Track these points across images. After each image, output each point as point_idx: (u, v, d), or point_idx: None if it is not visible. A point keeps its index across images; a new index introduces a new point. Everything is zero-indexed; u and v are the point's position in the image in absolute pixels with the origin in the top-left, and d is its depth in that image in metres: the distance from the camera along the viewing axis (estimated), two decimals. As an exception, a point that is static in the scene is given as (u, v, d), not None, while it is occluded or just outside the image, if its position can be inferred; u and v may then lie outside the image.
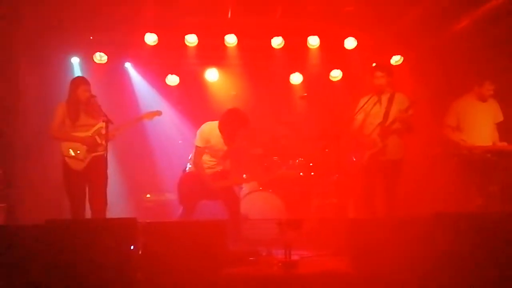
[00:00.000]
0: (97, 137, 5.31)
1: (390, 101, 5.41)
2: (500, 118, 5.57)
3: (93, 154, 5.30)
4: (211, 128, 5.47)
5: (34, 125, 6.50)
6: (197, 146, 5.45)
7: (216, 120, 5.52)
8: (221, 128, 5.43)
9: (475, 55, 6.22)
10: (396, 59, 7.26)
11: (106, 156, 4.99)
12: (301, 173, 6.60)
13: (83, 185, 5.28)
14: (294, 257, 4.46)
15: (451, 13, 6.12)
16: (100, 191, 4.96)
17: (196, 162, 5.46)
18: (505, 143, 5.38)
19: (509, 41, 5.90)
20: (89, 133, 5.31)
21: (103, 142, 5.23)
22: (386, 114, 5.37)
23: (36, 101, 6.64)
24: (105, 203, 4.85)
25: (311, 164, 6.68)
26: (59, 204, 6.17)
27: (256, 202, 6.11)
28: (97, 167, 5.19)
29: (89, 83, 5.38)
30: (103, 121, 5.13)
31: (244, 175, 6.54)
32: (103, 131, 5.19)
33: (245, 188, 6.42)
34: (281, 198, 6.17)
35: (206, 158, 5.51)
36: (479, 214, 4.71)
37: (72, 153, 5.25)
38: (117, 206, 6.28)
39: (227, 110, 5.50)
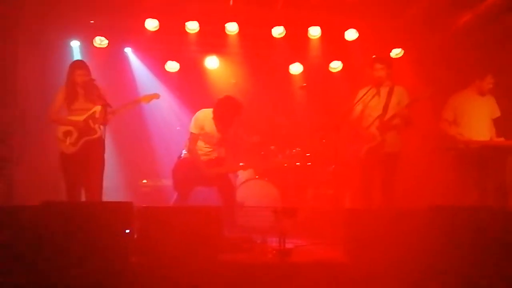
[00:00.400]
0: (90, 121, 5.30)
1: (390, 94, 5.41)
2: (497, 113, 5.58)
3: (85, 139, 5.28)
4: (205, 115, 5.49)
5: (33, 108, 6.47)
6: (191, 133, 5.50)
7: (212, 107, 5.53)
8: (215, 115, 5.46)
9: (476, 50, 6.22)
10: (396, 52, 7.24)
11: (104, 140, 4.98)
12: (297, 163, 6.61)
13: (76, 169, 5.26)
14: (289, 246, 4.46)
15: (454, 8, 6.11)
16: (94, 176, 4.99)
17: (191, 148, 5.50)
18: (502, 139, 5.39)
19: (508, 37, 5.90)
20: (83, 117, 5.30)
21: (97, 127, 5.25)
22: (386, 107, 5.37)
23: (35, 84, 6.62)
24: (100, 188, 4.83)
25: (308, 154, 6.69)
26: (58, 187, 6.16)
27: (252, 190, 6.14)
28: (90, 152, 5.21)
29: (87, 67, 5.36)
30: (100, 105, 5.13)
31: (241, 163, 6.55)
32: (97, 115, 5.21)
33: (241, 176, 6.44)
34: (277, 187, 6.19)
35: (201, 144, 5.54)
36: (475, 208, 4.72)
37: (62, 136, 5.27)
38: (113, 190, 6.31)
39: (221, 98, 5.52)
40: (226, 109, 5.41)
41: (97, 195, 4.92)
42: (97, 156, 5.01)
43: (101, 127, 5.20)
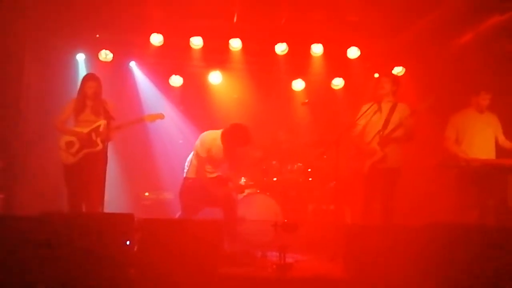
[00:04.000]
0: (93, 134, 5.35)
1: (392, 110, 5.42)
2: (500, 131, 5.60)
3: (86, 151, 5.33)
4: (213, 138, 5.45)
5: (37, 119, 6.53)
6: (200, 156, 5.40)
7: (217, 127, 5.54)
8: (223, 141, 5.42)
9: (476, 69, 6.25)
10: (398, 70, 7.29)
11: (106, 154, 5.01)
12: (299, 178, 6.61)
13: (76, 180, 5.30)
14: (289, 260, 4.46)
15: (455, 27, 6.16)
16: (94, 188, 5.02)
17: (200, 171, 5.41)
18: None
19: (510, 56, 5.95)
20: (87, 130, 5.36)
21: (99, 140, 5.30)
22: (386, 122, 5.39)
23: (39, 96, 6.67)
24: (100, 200, 4.85)
25: (309, 170, 6.70)
26: (60, 197, 6.17)
27: (253, 204, 6.13)
28: (90, 164, 5.25)
29: (98, 80, 5.47)
30: (104, 119, 5.20)
31: (243, 178, 6.57)
32: (101, 129, 5.27)
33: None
34: (278, 202, 6.18)
35: (207, 166, 5.49)
36: (475, 226, 4.72)
37: (64, 146, 5.32)
38: (116, 203, 6.33)
39: (232, 125, 5.46)
40: (236, 138, 5.38)
41: (96, 207, 4.94)
42: (97, 169, 5.07)
43: (107, 142, 5.20)
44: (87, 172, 5.27)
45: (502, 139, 5.59)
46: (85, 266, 3.72)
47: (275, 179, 6.54)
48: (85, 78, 5.53)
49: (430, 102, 5.24)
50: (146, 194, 7.14)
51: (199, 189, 5.38)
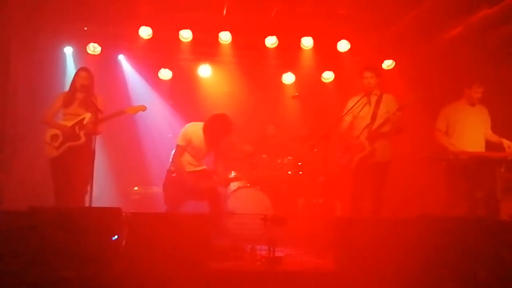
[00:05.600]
0: (76, 127, 5.32)
1: (378, 102, 5.42)
2: (490, 124, 5.64)
3: (68, 144, 5.30)
4: (194, 129, 5.43)
5: (23, 113, 6.46)
6: (177, 145, 5.41)
7: (203, 119, 5.49)
8: (205, 132, 5.39)
9: (466, 62, 6.27)
10: (388, 64, 7.29)
11: (91, 148, 4.99)
12: (289, 172, 6.61)
13: (60, 173, 5.28)
14: (278, 254, 4.45)
15: (445, 20, 6.15)
16: (77, 183, 5.06)
17: (176, 161, 5.40)
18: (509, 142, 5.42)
19: (499, 49, 5.96)
20: (72, 123, 5.33)
21: (82, 134, 5.28)
22: (374, 116, 5.38)
23: (26, 90, 6.61)
24: (82, 195, 4.89)
25: (299, 164, 6.68)
26: (48, 192, 6.13)
27: (243, 198, 6.11)
28: (73, 158, 5.24)
29: (90, 72, 5.47)
30: (90, 112, 5.19)
31: (233, 172, 6.54)
32: (85, 122, 5.26)
33: (233, 184, 6.41)
34: (268, 196, 6.17)
35: (188, 157, 5.46)
36: (464, 218, 4.74)
37: (49, 140, 5.31)
38: (104, 197, 6.27)
39: (213, 115, 5.44)
40: (217, 128, 5.34)
41: (81, 201, 4.95)
42: (80, 163, 5.09)
43: (92, 135, 5.18)
44: (71, 165, 5.25)
45: (489, 133, 5.62)
46: (72, 262, 3.68)
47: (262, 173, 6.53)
48: (78, 70, 5.55)
49: (418, 96, 5.24)
50: (135, 188, 7.12)
51: (180, 181, 5.35)
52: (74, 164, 5.22)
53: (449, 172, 5.50)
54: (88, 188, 4.91)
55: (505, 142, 5.46)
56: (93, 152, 4.96)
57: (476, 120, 5.61)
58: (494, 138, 5.59)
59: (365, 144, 5.33)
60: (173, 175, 5.43)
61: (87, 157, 4.97)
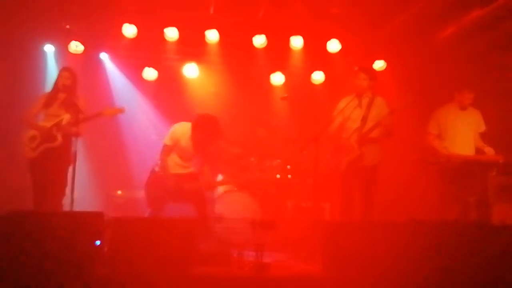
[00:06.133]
0: (54, 129, 5.23)
1: (369, 105, 5.37)
2: (483, 127, 5.60)
3: (45, 145, 5.21)
4: (183, 130, 5.36)
5: (3, 114, 6.29)
6: (165, 144, 5.37)
7: (189, 120, 5.41)
8: (192, 134, 5.33)
9: (458, 64, 6.25)
10: (379, 65, 7.22)
11: (69, 149, 4.98)
12: (278, 175, 6.50)
13: (37, 175, 5.21)
14: (267, 259, 4.39)
15: (436, 21, 6.13)
16: (53, 185, 5.01)
17: (162, 160, 5.36)
18: (491, 149, 5.39)
19: (490, 51, 5.95)
20: (50, 124, 5.23)
21: (59, 135, 5.20)
22: (364, 119, 5.32)
23: (4, 89, 6.49)
24: (59, 197, 4.85)
25: (288, 167, 6.58)
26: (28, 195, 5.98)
27: (231, 202, 5.99)
28: (50, 159, 5.17)
29: (73, 72, 5.41)
30: (69, 113, 5.15)
31: (220, 175, 6.42)
32: (64, 123, 5.20)
33: (220, 187, 6.29)
34: (257, 199, 6.08)
35: (175, 158, 5.40)
36: (455, 222, 4.74)
37: (28, 141, 5.24)
38: (87, 201, 6.17)
39: (200, 115, 5.36)
40: (204, 130, 5.26)
41: (57, 204, 4.90)
42: (57, 164, 5.05)
43: (70, 137, 5.14)
44: (48, 167, 5.17)
45: (476, 137, 5.59)
46: (53, 267, 3.61)
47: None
48: (60, 70, 5.49)
49: (408, 101, 5.19)
50: (119, 192, 6.97)
51: (163, 182, 5.29)
52: (51, 166, 5.15)
53: (441, 175, 5.50)
54: (67, 191, 4.79)
55: (487, 149, 5.44)
56: (74, 154, 4.91)
57: (467, 124, 5.58)
58: (479, 143, 5.55)
59: (354, 147, 5.26)
60: (156, 174, 5.36)
61: (64, 159, 4.94)
